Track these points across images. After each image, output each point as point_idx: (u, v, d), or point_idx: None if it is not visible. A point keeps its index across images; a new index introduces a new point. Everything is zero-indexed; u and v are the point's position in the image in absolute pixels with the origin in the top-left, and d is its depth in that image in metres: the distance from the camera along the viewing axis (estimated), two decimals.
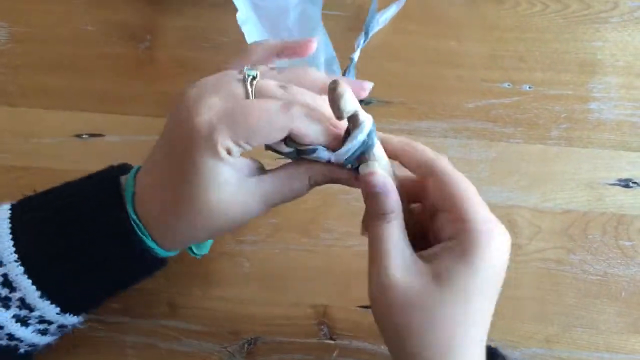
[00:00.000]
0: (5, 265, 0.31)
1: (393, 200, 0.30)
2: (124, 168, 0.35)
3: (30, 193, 0.34)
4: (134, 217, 0.32)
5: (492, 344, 0.35)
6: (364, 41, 0.45)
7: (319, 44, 0.42)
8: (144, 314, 0.42)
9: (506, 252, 0.30)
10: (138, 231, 0.32)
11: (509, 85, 0.46)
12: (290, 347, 0.41)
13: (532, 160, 0.45)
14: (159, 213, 0.32)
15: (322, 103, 0.31)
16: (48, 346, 0.36)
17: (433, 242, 0.31)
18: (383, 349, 0.41)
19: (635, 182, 0.44)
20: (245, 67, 0.31)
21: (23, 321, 0.33)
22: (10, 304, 0.32)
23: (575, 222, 0.43)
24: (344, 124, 0.31)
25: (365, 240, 0.32)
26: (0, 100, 0.46)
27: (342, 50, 0.45)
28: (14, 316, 0.32)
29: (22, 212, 0.33)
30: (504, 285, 0.30)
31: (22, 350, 0.34)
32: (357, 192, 0.31)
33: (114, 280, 0.35)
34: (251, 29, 0.42)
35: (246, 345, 0.41)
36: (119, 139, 0.45)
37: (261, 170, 0.32)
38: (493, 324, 0.30)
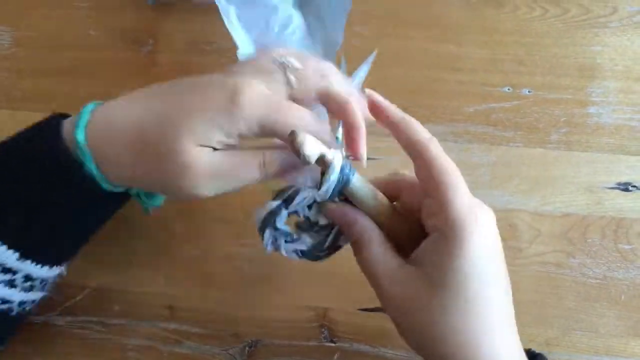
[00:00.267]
0: None
1: (359, 226, 0.32)
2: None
3: None
4: (81, 137, 0.31)
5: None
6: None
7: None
8: (145, 316, 0.42)
9: (493, 232, 0.30)
10: (80, 154, 0.31)
11: (509, 89, 0.46)
12: (291, 349, 0.41)
13: (532, 164, 0.45)
14: (112, 144, 0.31)
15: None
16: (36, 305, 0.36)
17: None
18: (383, 351, 0.41)
19: (634, 186, 0.44)
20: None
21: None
22: None
23: (575, 226, 0.44)
24: None
25: None
26: (3, 104, 0.46)
27: None
28: None
29: None
30: None
31: (14, 313, 0.34)
32: None
33: (64, 214, 0.33)
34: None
35: (247, 348, 0.41)
36: None
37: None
38: None
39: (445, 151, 0.44)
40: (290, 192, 0.32)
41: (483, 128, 0.45)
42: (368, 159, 0.43)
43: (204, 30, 0.48)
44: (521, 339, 0.41)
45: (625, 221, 0.44)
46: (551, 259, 0.43)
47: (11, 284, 0.33)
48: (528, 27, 0.47)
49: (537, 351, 0.36)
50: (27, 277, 0.33)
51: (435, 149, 0.31)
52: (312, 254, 0.34)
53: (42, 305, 0.42)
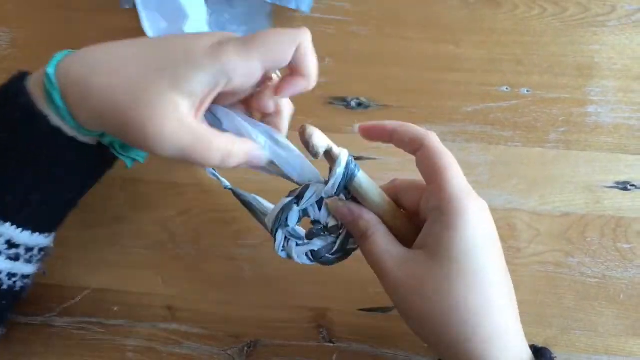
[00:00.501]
0: None
1: (364, 221, 0.33)
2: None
3: None
4: (51, 71, 0.31)
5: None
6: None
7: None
8: (144, 317, 0.42)
9: (488, 215, 0.32)
10: (48, 86, 0.30)
11: (507, 88, 0.46)
12: (290, 350, 0.41)
13: (530, 163, 0.45)
14: (84, 78, 0.30)
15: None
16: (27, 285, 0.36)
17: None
18: (382, 352, 0.41)
19: (633, 185, 0.44)
20: None
21: None
22: None
23: (574, 225, 0.44)
24: None
25: None
26: None
27: None
28: None
29: None
30: None
31: (5, 287, 0.34)
32: None
33: (35, 167, 0.32)
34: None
35: (246, 348, 0.41)
36: None
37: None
38: None
39: None
40: (301, 188, 0.34)
41: (481, 128, 0.45)
42: (368, 158, 0.44)
43: None
44: None
45: (624, 220, 0.44)
46: (550, 259, 0.43)
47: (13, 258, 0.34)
48: (526, 27, 0.47)
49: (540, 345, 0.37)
50: (10, 243, 0.33)
51: (434, 138, 0.34)
52: (323, 256, 0.35)
53: (41, 306, 0.42)
